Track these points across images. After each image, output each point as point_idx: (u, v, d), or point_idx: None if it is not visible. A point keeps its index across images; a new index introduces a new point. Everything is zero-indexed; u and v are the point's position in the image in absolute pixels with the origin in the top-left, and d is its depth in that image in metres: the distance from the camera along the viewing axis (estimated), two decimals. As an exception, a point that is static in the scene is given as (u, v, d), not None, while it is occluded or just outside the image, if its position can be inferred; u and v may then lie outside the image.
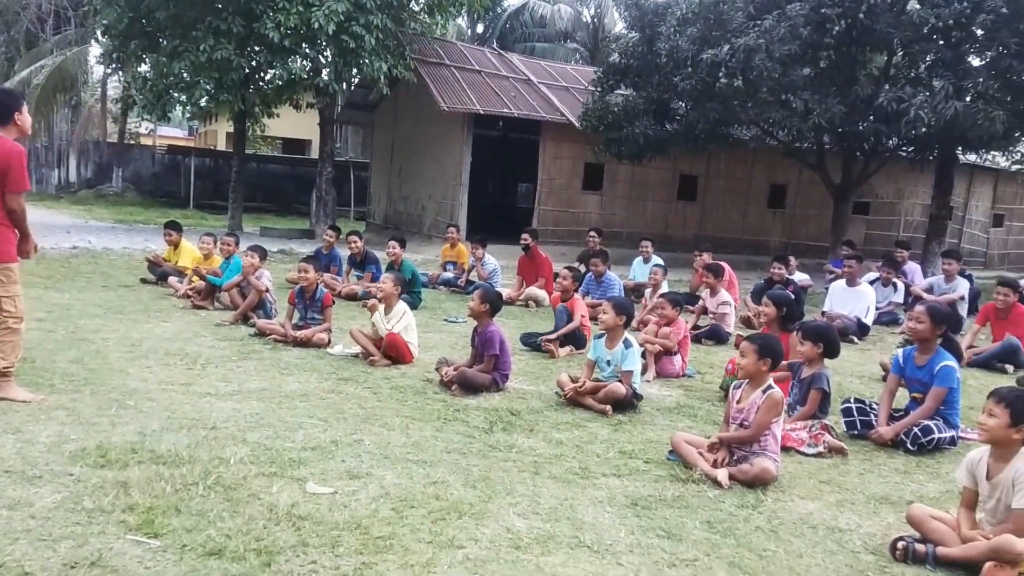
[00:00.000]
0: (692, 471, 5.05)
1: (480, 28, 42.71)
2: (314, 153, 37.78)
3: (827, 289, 12.12)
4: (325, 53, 21.17)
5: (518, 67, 24.81)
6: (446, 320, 10.62)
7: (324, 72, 21.51)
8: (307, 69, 21.53)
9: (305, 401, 6.20)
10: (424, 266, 14.74)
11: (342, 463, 4.82)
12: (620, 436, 5.86)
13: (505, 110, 21.15)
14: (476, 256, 13.34)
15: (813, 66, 17.21)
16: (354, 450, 5.08)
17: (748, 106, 17.43)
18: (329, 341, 8.33)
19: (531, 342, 8.97)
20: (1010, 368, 9.52)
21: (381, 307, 7.91)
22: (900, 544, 4.01)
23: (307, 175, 31.79)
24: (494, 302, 7.27)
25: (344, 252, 12.95)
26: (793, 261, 13.47)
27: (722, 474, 4.90)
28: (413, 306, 10.83)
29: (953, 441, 6.10)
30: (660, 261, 13.58)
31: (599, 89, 20.02)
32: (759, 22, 15.80)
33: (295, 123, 37.79)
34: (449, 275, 13.80)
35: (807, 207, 23.95)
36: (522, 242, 13.19)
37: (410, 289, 11.35)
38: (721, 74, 16.20)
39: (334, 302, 9.03)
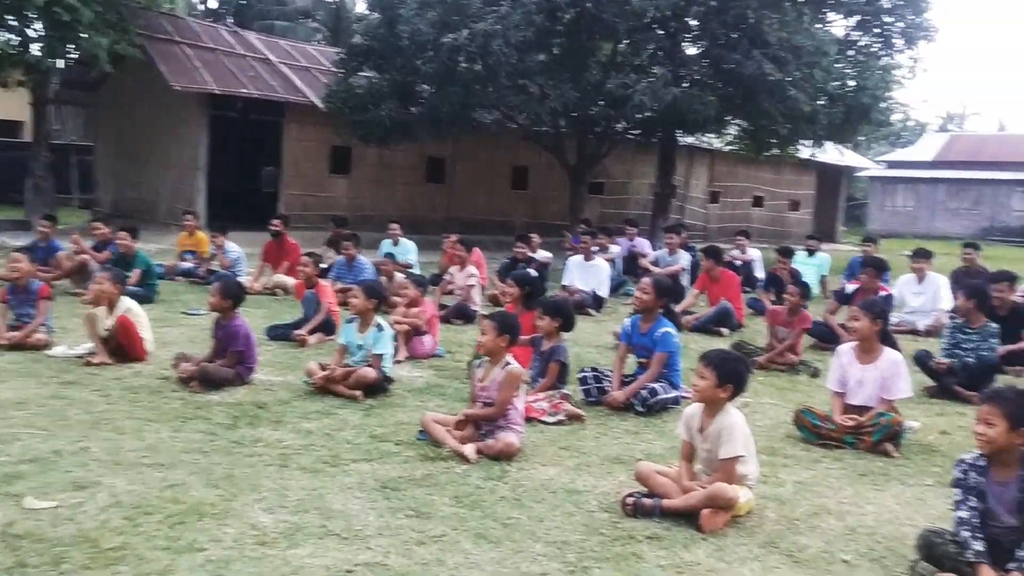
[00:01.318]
0: (441, 449, 5.16)
1: (214, 3, 40.55)
2: (27, 136, 34.15)
3: (566, 265, 12.78)
4: (35, 26, 19.19)
5: (256, 46, 23.83)
6: (185, 313, 10.05)
7: (35, 47, 19.50)
8: (14, 43, 19.40)
9: (22, 409, 5.65)
10: (160, 256, 13.85)
11: (66, 474, 4.45)
12: (371, 421, 5.86)
13: (243, 90, 20.27)
14: (216, 244, 12.74)
15: (547, 53, 17.96)
16: (80, 459, 4.70)
17: (489, 90, 17.90)
18: (49, 343, 7.62)
19: (278, 334, 8.71)
20: (726, 331, 10.50)
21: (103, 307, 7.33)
22: (629, 500, 4.33)
23: (19, 160, 28.73)
24: (236, 295, 6.98)
25: (66, 244, 11.89)
26: (536, 239, 14.08)
27: (469, 449, 5.05)
28: (148, 299, 10.17)
29: (677, 401, 6.66)
30: (412, 245, 13.69)
31: (343, 71, 19.72)
32: (496, 8, 16.25)
33: (3, 103, 33.95)
34: (187, 265, 13.07)
35: (547, 188, 25.02)
36: (272, 227, 12.79)
37: (144, 282, 10.66)
38: (461, 58, 16.51)
39: (52, 296, 8.26)
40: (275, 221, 12.92)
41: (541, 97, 17.15)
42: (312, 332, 8.65)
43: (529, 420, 5.82)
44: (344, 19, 39.18)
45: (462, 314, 10.21)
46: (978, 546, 3.61)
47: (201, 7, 40.54)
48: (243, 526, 3.91)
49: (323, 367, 6.66)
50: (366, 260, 11.56)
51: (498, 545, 3.88)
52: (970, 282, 8.96)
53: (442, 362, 8.06)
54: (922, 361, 7.74)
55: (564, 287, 11.90)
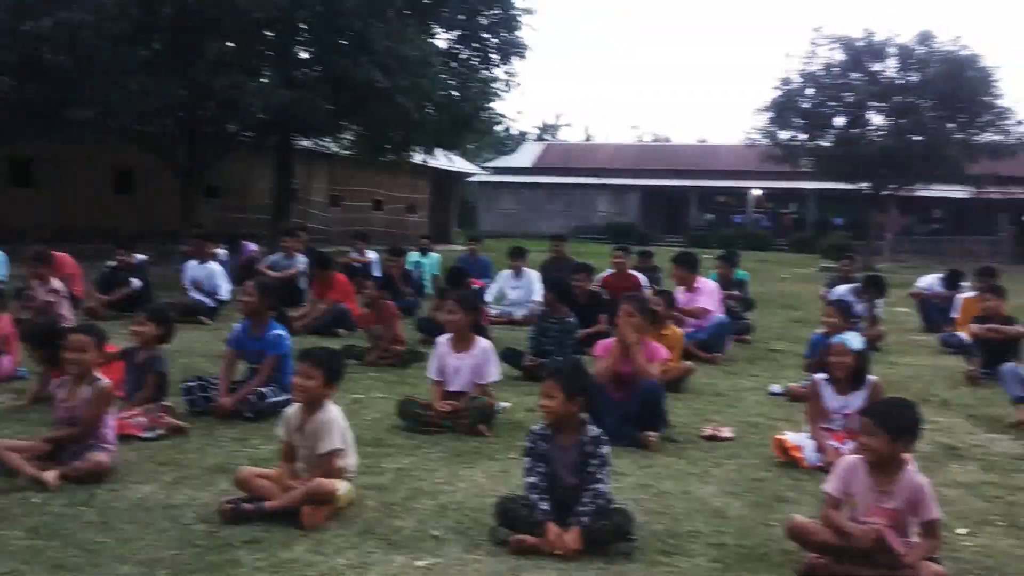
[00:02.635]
0: (16, 478, 4.66)
1: None
2: None
3: (183, 268, 12.16)
4: None
5: None
6: None
7: None
8: None
9: None
10: None
11: None
12: (-73, 457, 5.10)
13: None
14: None
15: (148, 48, 16.87)
16: None
17: (82, 86, 16.35)
18: None
19: None
20: (343, 331, 10.66)
21: None
22: (228, 506, 4.25)
23: None
24: None
25: None
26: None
27: (50, 475, 4.62)
28: None
29: (287, 404, 6.62)
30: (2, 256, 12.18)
31: None
32: (85, -4, 14.92)
33: None
34: None
35: (157, 192, 23.49)
36: None
37: None
38: (46, 49, 14.93)
39: None
40: None
41: (143, 95, 16.04)
42: None
43: (125, 437, 5.46)
44: None
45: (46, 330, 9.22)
46: (544, 506, 4.09)
47: None
48: None
49: None
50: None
51: (79, 573, 3.61)
52: (552, 276, 10.01)
53: (25, 384, 7.25)
54: (513, 359, 8.33)
55: (185, 290, 11.46)
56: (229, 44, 18.33)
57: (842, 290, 11.37)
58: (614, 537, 4.02)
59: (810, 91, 32.46)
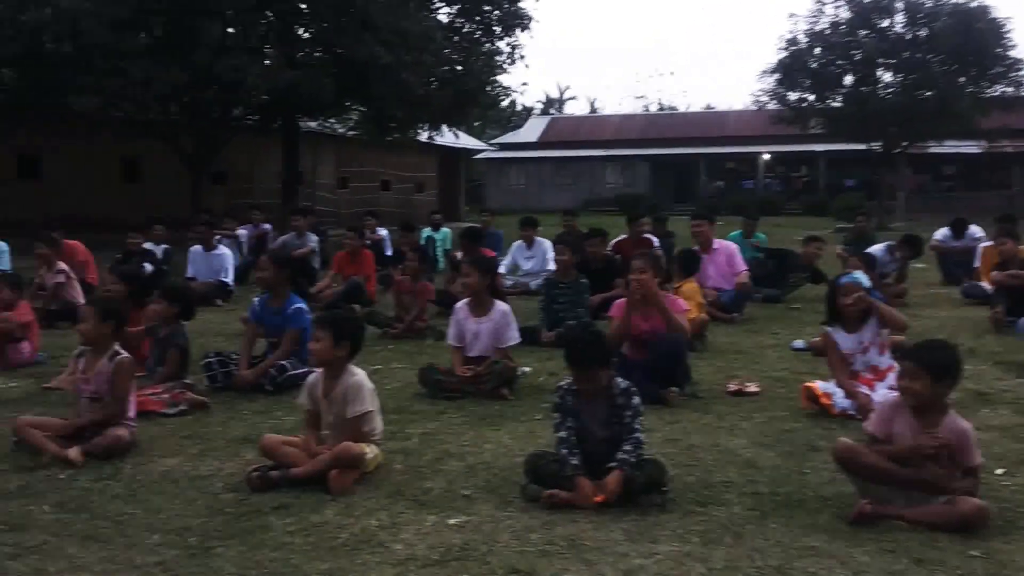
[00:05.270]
0: (41, 456, 4.63)
1: None
2: None
3: (188, 256, 12.11)
4: None
5: None
6: None
7: None
8: None
9: None
10: None
11: None
12: (-50, 440, 5.08)
13: None
14: None
15: (149, 33, 16.78)
16: None
17: (85, 74, 16.29)
18: None
19: None
20: (358, 307, 10.60)
21: None
22: (254, 474, 4.21)
23: None
24: None
25: None
26: (160, 230, 13.21)
27: (73, 452, 4.58)
28: None
29: (307, 376, 6.59)
30: (3, 246, 12.15)
31: None
32: (83, -17, 14.84)
33: None
34: None
35: (164, 180, 23.45)
36: None
37: None
38: (47, 39, 14.87)
39: None
40: None
41: (145, 81, 15.96)
42: None
43: (148, 413, 5.43)
44: None
45: (67, 315, 9.22)
46: (575, 460, 4.03)
47: None
48: None
49: None
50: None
51: (109, 543, 3.57)
52: (567, 238, 9.89)
53: (45, 369, 7.23)
54: (530, 338, 8.16)
55: (188, 279, 11.30)
56: (230, 29, 18.24)
57: (878, 249, 11.08)
58: (648, 488, 3.95)
59: (817, 50, 32.08)
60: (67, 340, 8.36)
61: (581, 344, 4.16)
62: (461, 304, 6.47)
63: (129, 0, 15.04)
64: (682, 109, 62.85)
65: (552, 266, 11.61)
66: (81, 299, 9.28)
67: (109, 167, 22.86)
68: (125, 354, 5.00)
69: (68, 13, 14.40)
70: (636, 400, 4.12)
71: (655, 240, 11.91)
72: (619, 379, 4.20)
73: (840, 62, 31.87)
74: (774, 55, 33.45)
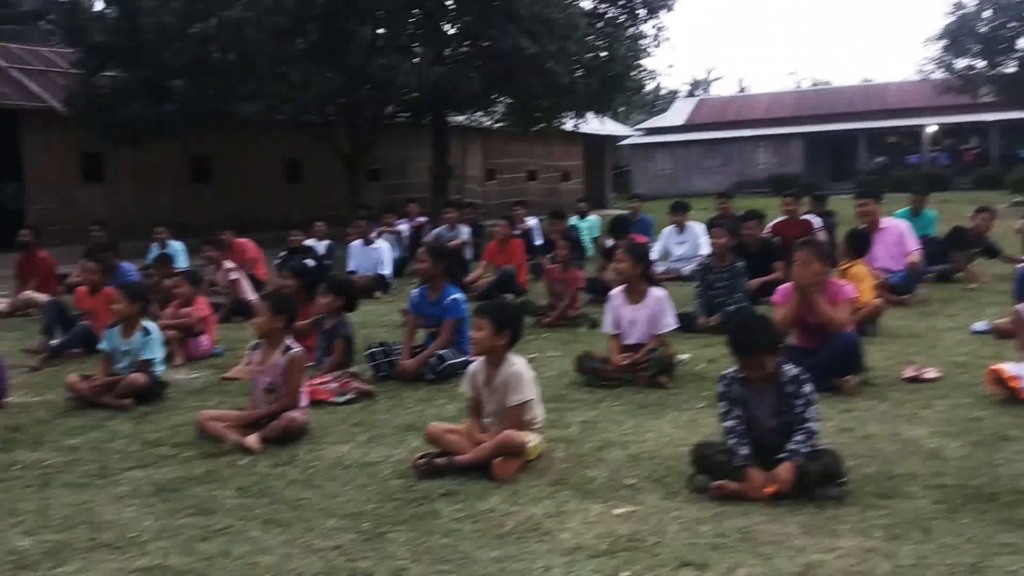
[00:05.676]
0: (223, 445, 4.89)
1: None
2: None
3: (347, 251, 12.56)
4: None
5: (-23, 51, 21.58)
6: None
7: None
8: None
9: None
10: None
11: None
12: (144, 427, 5.47)
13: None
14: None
15: (305, 38, 17.50)
16: None
17: (248, 81, 17.18)
18: None
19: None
20: (510, 296, 10.70)
21: None
22: (421, 462, 4.30)
23: None
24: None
25: None
26: (321, 226, 13.80)
27: (252, 439, 4.82)
28: None
29: (466, 365, 6.68)
30: (180, 246, 13.03)
31: (83, 71, 18.26)
32: (244, -6, 15.61)
33: None
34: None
35: (323, 179, 24.46)
36: (21, 238, 11.64)
37: None
38: (213, 48, 15.76)
39: None
40: (24, 231, 11.78)
41: (304, 85, 16.66)
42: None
43: (318, 402, 5.65)
44: (82, 17, 36.17)
45: (240, 310, 9.76)
46: (744, 451, 3.88)
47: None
48: (-2, 555, 3.53)
49: (85, 378, 6.15)
50: (131, 266, 10.78)
51: (288, 527, 3.73)
52: (723, 221, 9.61)
53: (222, 360, 7.67)
54: (686, 324, 7.94)
55: (350, 273, 11.73)
56: (380, 30, 18.77)
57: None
58: (823, 480, 3.77)
59: (987, 13, 29.83)
60: (241, 333, 8.86)
61: (749, 329, 4.01)
62: (617, 291, 6.39)
63: (288, 8, 15.70)
64: (836, 84, 59.95)
65: (705, 251, 11.35)
66: (251, 295, 9.80)
67: (273, 169, 24.04)
68: (298, 348, 5.22)
69: (233, 24, 15.18)
70: (807, 388, 3.93)
71: (816, 220, 11.41)
72: (788, 366, 4.02)
73: (1013, 24, 29.51)
74: (940, 20, 31.29)
